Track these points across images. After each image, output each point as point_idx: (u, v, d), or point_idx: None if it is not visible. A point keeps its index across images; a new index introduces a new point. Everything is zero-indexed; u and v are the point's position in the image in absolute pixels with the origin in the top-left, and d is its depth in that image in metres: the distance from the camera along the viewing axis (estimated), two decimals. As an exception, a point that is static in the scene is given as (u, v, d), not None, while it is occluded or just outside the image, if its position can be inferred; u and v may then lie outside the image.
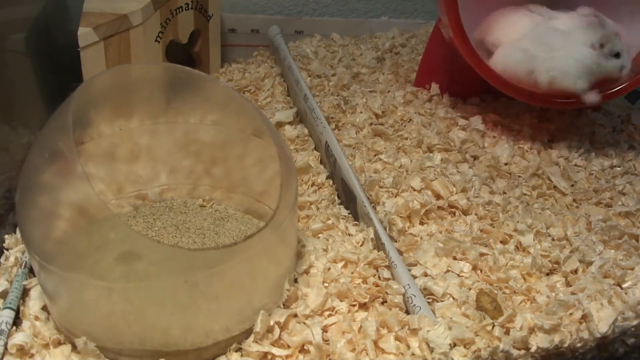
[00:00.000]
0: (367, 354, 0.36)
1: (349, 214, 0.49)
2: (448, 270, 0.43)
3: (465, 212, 0.50)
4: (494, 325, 0.38)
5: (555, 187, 0.54)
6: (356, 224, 0.47)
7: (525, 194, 0.52)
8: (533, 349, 0.38)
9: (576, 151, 0.58)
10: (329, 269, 0.42)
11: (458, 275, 0.43)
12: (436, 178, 0.52)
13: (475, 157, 0.56)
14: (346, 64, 0.72)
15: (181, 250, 0.37)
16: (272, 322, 0.37)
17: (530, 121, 0.61)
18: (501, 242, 0.47)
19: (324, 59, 0.73)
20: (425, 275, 0.43)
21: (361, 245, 0.44)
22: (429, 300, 0.40)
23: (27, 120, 0.51)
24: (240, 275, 0.35)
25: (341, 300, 0.40)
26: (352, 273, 0.42)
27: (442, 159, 0.55)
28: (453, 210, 0.50)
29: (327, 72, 0.69)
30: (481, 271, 0.43)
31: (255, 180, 0.46)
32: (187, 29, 0.64)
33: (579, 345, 0.39)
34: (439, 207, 0.50)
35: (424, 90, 0.66)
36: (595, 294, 0.40)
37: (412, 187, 0.51)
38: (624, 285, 0.42)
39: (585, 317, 0.39)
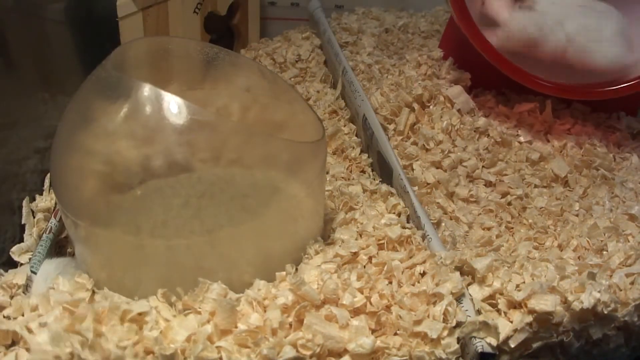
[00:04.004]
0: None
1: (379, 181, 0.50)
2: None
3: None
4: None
5: (553, 186, 0.54)
6: (392, 194, 0.48)
7: (527, 194, 0.52)
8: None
9: (578, 150, 0.58)
10: (356, 239, 0.42)
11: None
12: (438, 176, 0.52)
13: (479, 156, 0.56)
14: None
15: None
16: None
17: (534, 119, 0.61)
18: (501, 241, 0.47)
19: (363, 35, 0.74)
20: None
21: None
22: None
23: (65, 89, 0.51)
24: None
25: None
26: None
27: (444, 156, 0.55)
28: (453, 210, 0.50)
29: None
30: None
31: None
32: (226, 1, 0.64)
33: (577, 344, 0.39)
34: (438, 205, 0.50)
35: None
36: (596, 294, 0.40)
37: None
38: (623, 286, 0.42)
39: (585, 319, 0.39)
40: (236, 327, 0.34)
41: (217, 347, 0.33)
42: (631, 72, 0.58)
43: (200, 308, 0.35)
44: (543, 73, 0.58)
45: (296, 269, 0.39)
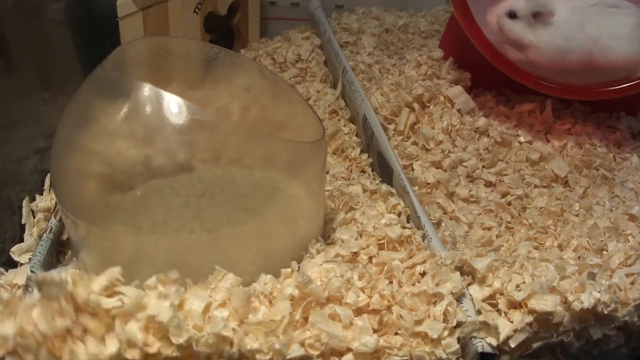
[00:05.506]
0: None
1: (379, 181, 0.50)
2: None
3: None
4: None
5: (553, 186, 0.54)
6: (393, 194, 0.48)
7: (527, 194, 0.52)
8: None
9: (578, 150, 0.58)
10: (356, 239, 0.42)
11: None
12: (438, 176, 0.52)
13: (479, 156, 0.56)
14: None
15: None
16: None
17: (534, 119, 0.61)
18: (501, 241, 0.47)
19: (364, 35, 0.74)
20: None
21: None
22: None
23: (65, 89, 0.51)
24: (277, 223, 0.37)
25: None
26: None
27: (444, 156, 0.55)
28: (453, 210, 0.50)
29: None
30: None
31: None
32: (226, 1, 0.64)
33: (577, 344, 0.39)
34: (439, 205, 0.50)
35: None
36: (596, 294, 0.40)
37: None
38: (623, 286, 0.42)
39: (585, 319, 0.39)
40: (247, 318, 0.34)
41: (233, 328, 0.32)
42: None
43: (211, 296, 0.34)
44: (570, 79, 0.58)
45: (298, 268, 0.39)
